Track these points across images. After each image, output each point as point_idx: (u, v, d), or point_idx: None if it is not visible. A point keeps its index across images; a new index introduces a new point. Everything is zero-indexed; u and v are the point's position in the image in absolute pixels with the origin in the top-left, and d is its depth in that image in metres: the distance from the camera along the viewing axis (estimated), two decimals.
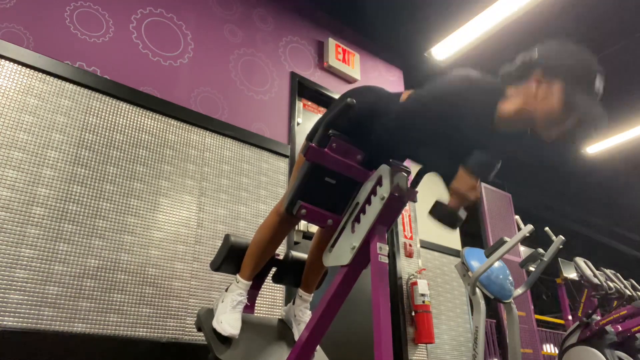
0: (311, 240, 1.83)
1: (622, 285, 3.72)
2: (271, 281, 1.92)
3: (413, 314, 3.26)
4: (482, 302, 2.62)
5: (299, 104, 3.25)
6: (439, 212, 1.36)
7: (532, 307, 4.95)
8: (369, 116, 1.48)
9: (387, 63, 4.05)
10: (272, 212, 1.67)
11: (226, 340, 1.57)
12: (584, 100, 1.24)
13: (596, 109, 1.24)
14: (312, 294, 1.83)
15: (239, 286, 1.67)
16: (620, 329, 3.33)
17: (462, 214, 1.35)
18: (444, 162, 1.47)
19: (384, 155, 1.45)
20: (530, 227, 2.72)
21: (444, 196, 1.43)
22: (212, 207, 2.45)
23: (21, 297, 1.77)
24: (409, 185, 1.38)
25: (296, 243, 2.78)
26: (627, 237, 8.49)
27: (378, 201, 1.34)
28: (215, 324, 1.59)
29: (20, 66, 2.05)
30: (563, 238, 3.12)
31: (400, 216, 3.61)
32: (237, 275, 1.70)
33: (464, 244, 4.46)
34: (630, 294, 3.67)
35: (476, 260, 2.74)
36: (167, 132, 2.43)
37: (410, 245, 3.58)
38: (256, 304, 1.97)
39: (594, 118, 1.24)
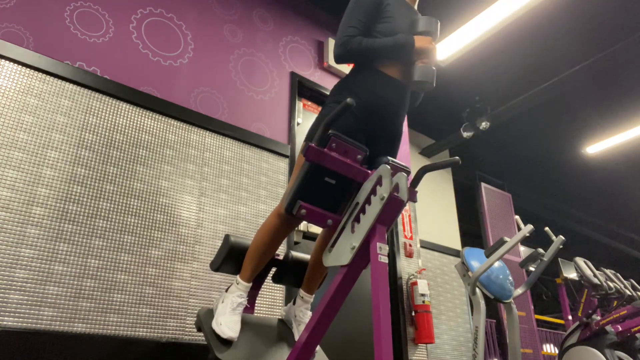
0: (311, 240, 1.83)
1: (622, 285, 3.72)
2: (271, 281, 1.92)
3: (413, 314, 3.26)
4: (482, 302, 2.62)
5: (299, 104, 3.25)
6: (421, 74, 1.72)
7: (532, 307, 4.95)
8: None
9: None
10: (273, 213, 1.67)
11: (226, 341, 1.57)
12: None
13: None
14: (313, 295, 1.82)
15: (239, 287, 1.66)
16: (620, 329, 3.33)
17: (429, 72, 1.73)
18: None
19: (386, 135, 1.74)
20: (530, 227, 2.72)
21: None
22: (212, 207, 2.45)
23: (21, 297, 1.77)
24: (408, 185, 1.38)
25: (296, 243, 2.78)
26: (627, 237, 8.49)
27: (378, 201, 1.34)
28: (214, 325, 1.58)
29: (20, 66, 2.05)
30: (563, 238, 3.12)
31: (400, 216, 3.61)
32: (237, 277, 1.70)
33: (464, 244, 4.47)
34: (630, 294, 3.67)
35: (476, 260, 2.75)
36: (167, 132, 2.43)
37: (410, 245, 3.58)
38: (256, 304, 1.97)
39: None
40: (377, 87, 1.70)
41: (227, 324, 1.56)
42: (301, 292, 1.81)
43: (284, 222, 1.63)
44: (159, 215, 2.24)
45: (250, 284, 1.69)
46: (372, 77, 1.72)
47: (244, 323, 1.65)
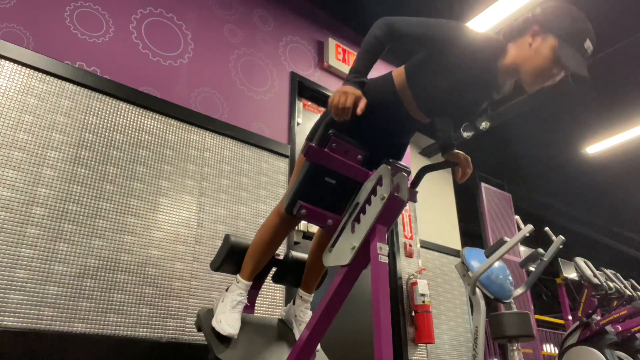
0: (311, 241, 1.83)
1: (622, 285, 3.72)
2: (271, 281, 1.92)
3: (413, 314, 3.26)
4: (482, 302, 2.62)
5: (299, 104, 3.25)
6: None
7: (532, 307, 4.95)
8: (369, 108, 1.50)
9: (387, 63, 4.05)
10: (273, 212, 1.67)
11: (226, 340, 1.56)
12: (571, 57, 1.36)
13: (581, 67, 1.36)
14: (313, 294, 1.83)
15: (239, 286, 1.67)
16: (620, 329, 3.32)
17: None
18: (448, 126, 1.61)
19: (389, 144, 1.59)
20: (530, 227, 2.72)
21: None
22: (212, 207, 2.45)
23: (21, 297, 1.77)
24: (409, 185, 1.38)
25: (296, 243, 2.78)
26: (627, 237, 8.49)
27: (378, 201, 1.34)
28: (214, 323, 1.59)
29: (20, 66, 2.05)
30: (563, 238, 3.12)
31: (400, 216, 3.61)
32: (238, 276, 1.70)
33: (464, 244, 4.46)
34: (630, 294, 3.67)
35: (476, 260, 2.75)
36: (167, 132, 2.43)
37: (410, 245, 3.58)
38: (256, 304, 1.97)
39: (577, 75, 1.36)
40: (396, 119, 1.59)
41: (227, 321, 1.57)
42: (300, 291, 1.81)
43: (284, 221, 1.63)
44: (158, 215, 2.24)
45: (250, 283, 1.69)
46: (396, 113, 1.56)
47: (244, 323, 1.65)
